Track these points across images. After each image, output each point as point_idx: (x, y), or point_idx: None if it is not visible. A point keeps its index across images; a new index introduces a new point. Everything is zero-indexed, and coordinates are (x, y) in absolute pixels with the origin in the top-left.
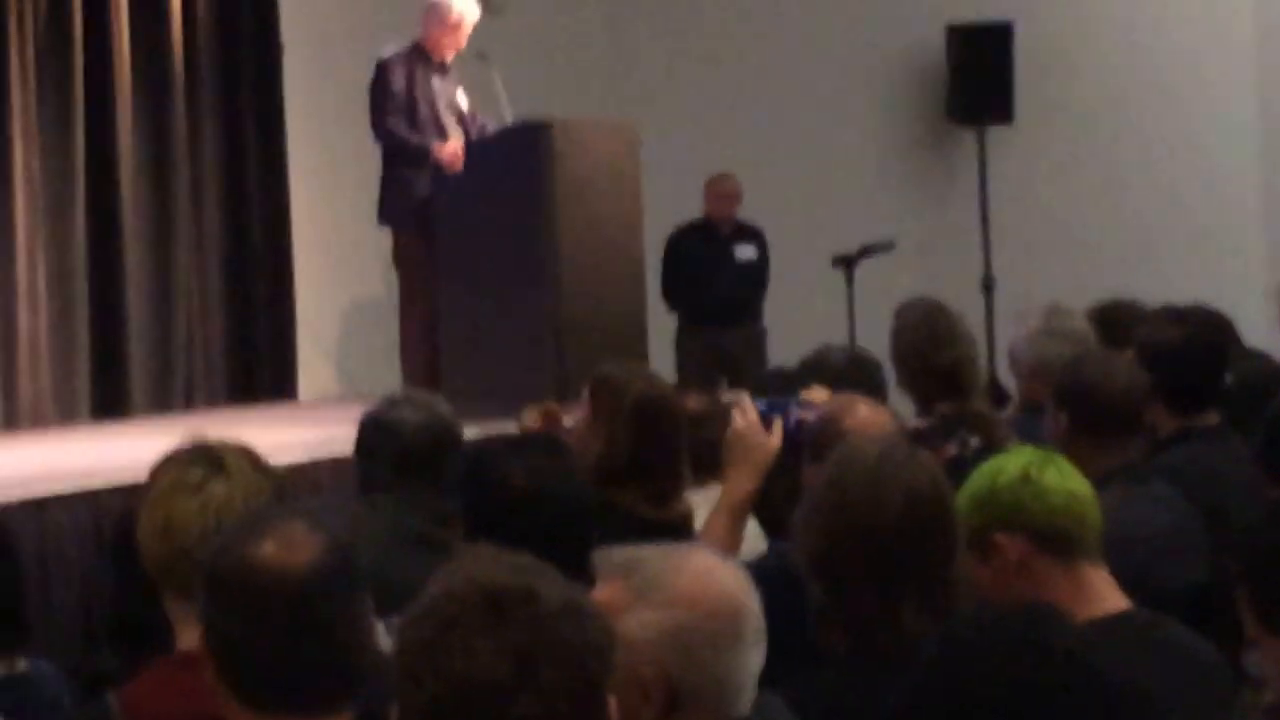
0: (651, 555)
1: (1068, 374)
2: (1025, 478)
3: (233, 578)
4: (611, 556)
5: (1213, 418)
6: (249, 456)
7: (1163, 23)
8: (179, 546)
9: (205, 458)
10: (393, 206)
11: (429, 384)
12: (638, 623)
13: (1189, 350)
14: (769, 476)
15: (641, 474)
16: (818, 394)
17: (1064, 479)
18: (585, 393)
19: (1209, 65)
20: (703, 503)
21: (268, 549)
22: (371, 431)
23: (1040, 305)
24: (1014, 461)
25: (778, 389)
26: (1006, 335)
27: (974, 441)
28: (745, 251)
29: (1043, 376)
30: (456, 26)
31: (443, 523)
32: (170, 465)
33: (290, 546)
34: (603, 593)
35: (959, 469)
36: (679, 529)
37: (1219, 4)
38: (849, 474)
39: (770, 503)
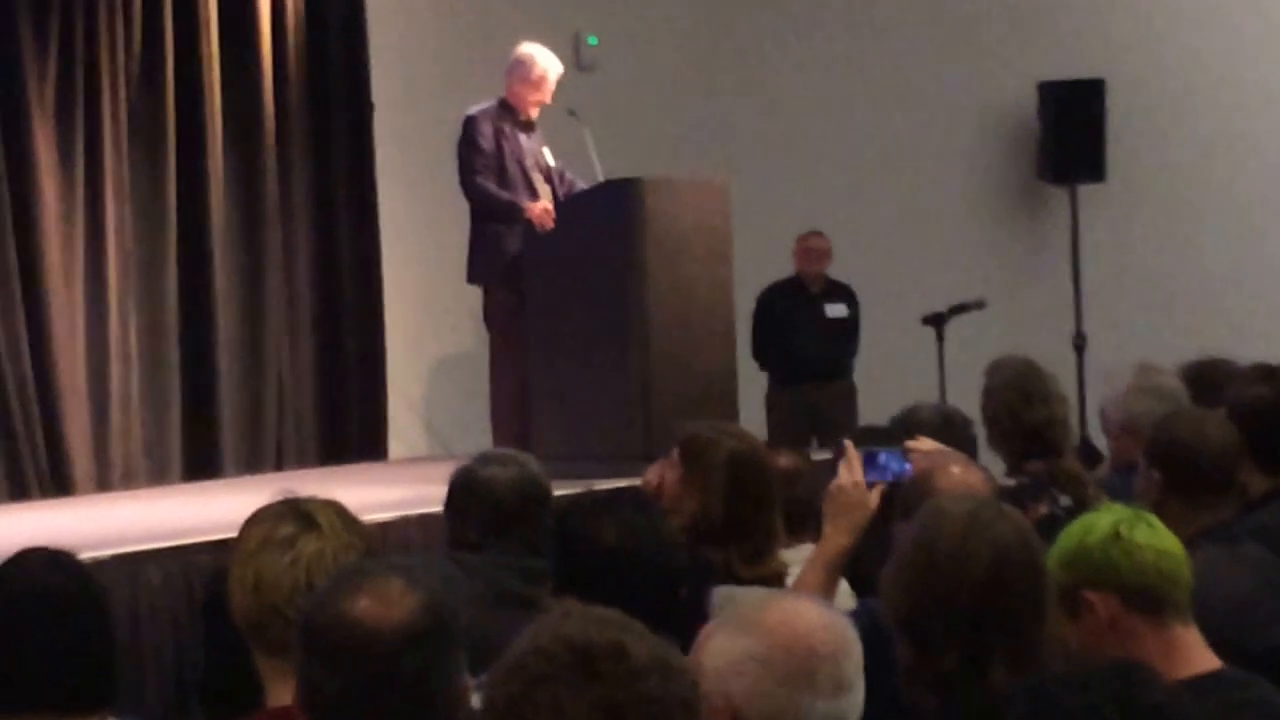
0: (757, 593)
1: (1160, 432)
2: (1116, 535)
3: (328, 633)
4: (730, 595)
5: None
6: (339, 512)
7: (1255, 80)
8: (269, 603)
9: (296, 514)
10: (483, 265)
11: (519, 443)
12: (713, 648)
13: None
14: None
15: (737, 532)
16: (924, 444)
17: (1155, 537)
18: (675, 451)
19: None
20: (795, 561)
21: (364, 604)
22: (462, 489)
23: (1131, 364)
24: (1105, 519)
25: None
26: (1097, 394)
27: (1064, 501)
28: (836, 309)
29: (1134, 435)
30: (540, 82)
31: (534, 580)
32: (261, 521)
33: (386, 602)
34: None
35: (1049, 528)
36: (773, 586)
37: None
38: (937, 531)
39: (860, 560)
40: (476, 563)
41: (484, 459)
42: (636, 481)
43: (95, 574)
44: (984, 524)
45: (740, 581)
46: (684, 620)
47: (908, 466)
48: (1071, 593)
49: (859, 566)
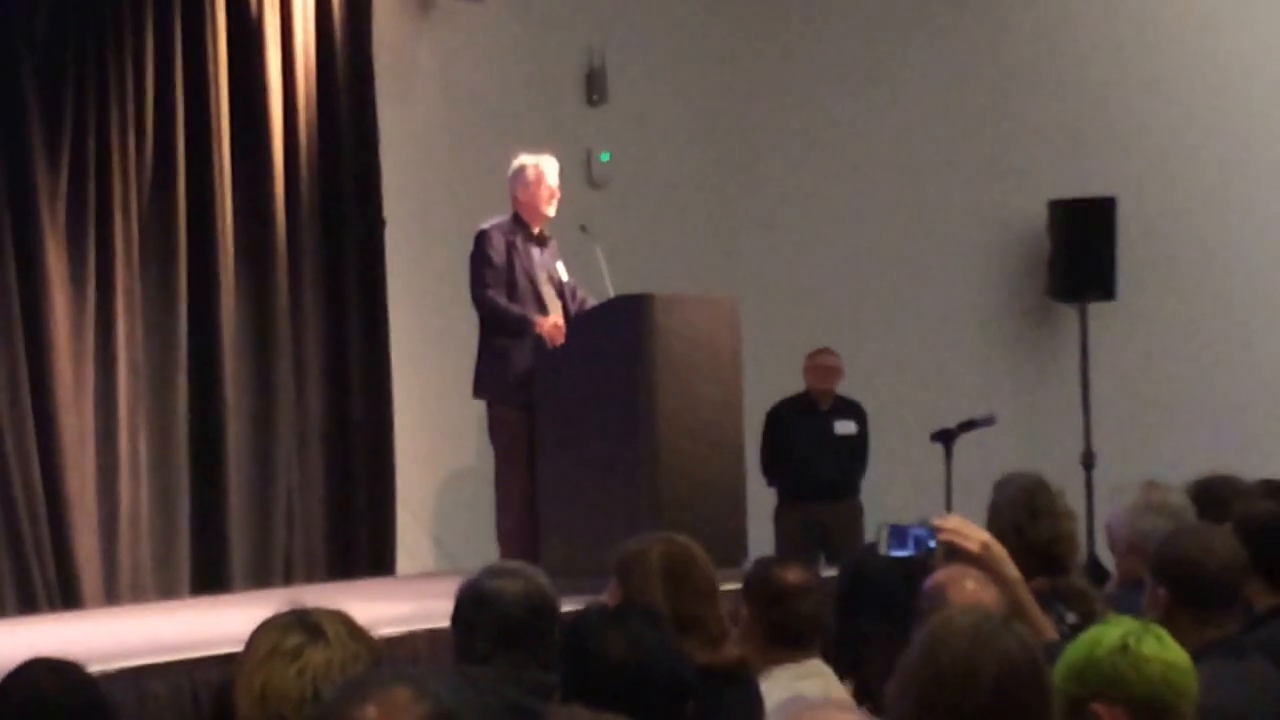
0: (805, 701)
1: (1167, 548)
2: (1124, 648)
3: None
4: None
5: None
6: (347, 623)
7: (1263, 202)
8: (276, 713)
9: (303, 624)
10: (489, 379)
11: (525, 557)
12: None
13: None
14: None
15: (686, 625)
16: (951, 520)
17: (1163, 650)
18: (613, 578)
19: None
20: (802, 675)
21: (371, 713)
22: (470, 601)
23: (1137, 482)
24: (1113, 631)
25: (876, 565)
26: (1106, 511)
27: (1070, 617)
28: (845, 426)
29: (1140, 552)
30: (539, 181)
31: (541, 694)
32: (268, 631)
33: (394, 711)
34: None
35: (1056, 645)
36: (734, 674)
37: None
38: (943, 643)
39: (870, 672)
40: (483, 676)
41: (491, 572)
42: None
43: (101, 686)
44: (990, 637)
45: (708, 673)
46: None
47: (933, 543)
48: (1079, 705)
49: (863, 680)
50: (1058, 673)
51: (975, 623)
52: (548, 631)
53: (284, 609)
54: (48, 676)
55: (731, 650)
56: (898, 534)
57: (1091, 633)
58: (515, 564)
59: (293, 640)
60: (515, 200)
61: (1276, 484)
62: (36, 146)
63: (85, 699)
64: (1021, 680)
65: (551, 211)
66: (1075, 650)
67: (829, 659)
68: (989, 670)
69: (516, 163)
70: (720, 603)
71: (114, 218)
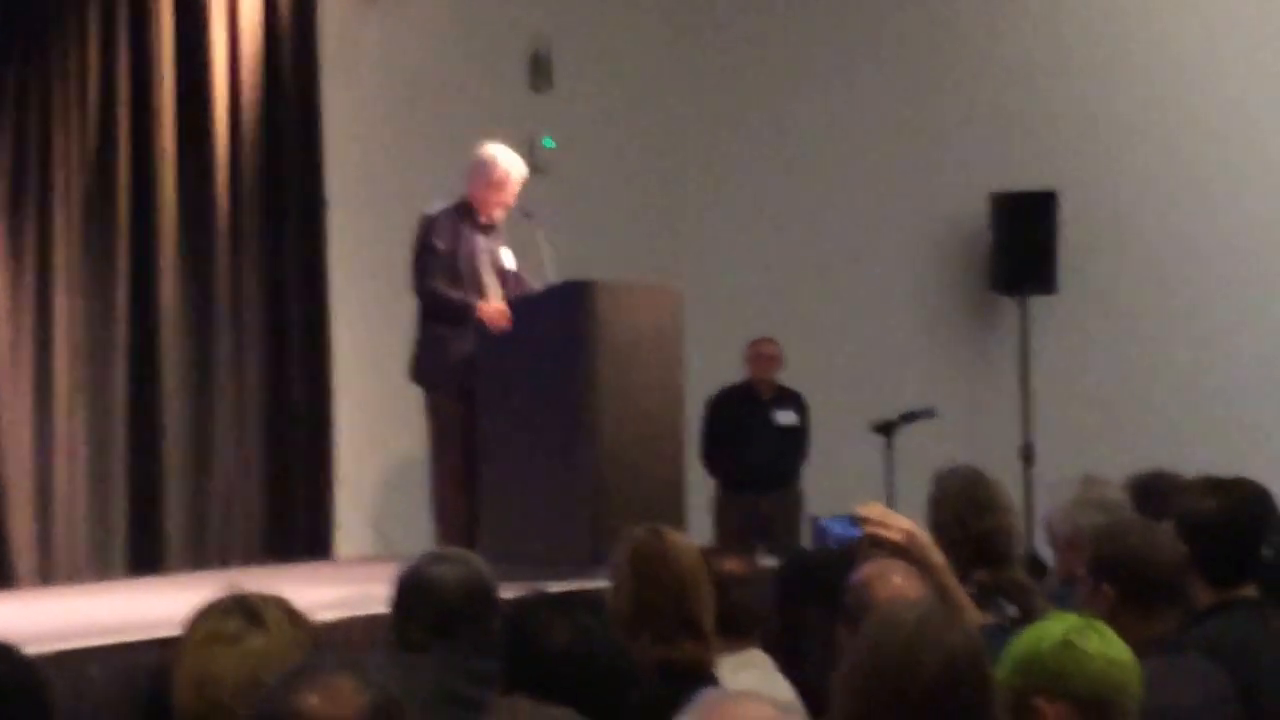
0: (728, 693)
1: (1111, 543)
2: (1068, 644)
3: None
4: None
5: (1250, 591)
6: (286, 609)
7: (1207, 194)
8: (214, 699)
9: (242, 609)
10: (426, 366)
11: (463, 543)
12: None
13: (1226, 522)
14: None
15: (645, 618)
16: (874, 510)
17: (1106, 646)
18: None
19: (1252, 238)
20: (740, 665)
21: (313, 702)
22: (409, 588)
23: (1077, 477)
24: (1056, 628)
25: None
26: (1044, 505)
27: (1011, 610)
28: (785, 416)
29: (1078, 548)
30: (502, 184)
31: (480, 682)
32: (207, 616)
33: (337, 700)
34: None
35: (996, 638)
36: (691, 671)
37: (1264, 176)
38: (887, 637)
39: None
40: (422, 664)
41: (431, 558)
42: (584, 584)
43: (39, 668)
44: (934, 630)
45: (659, 665)
46: None
47: (856, 532)
48: (1022, 700)
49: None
50: (1001, 667)
51: (920, 616)
52: (486, 618)
53: (223, 594)
54: None
55: (690, 647)
56: (818, 527)
57: (1035, 628)
58: (455, 551)
59: (231, 626)
60: (470, 190)
61: (1218, 481)
62: None
63: (23, 680)
64: (964, 674)
65: (501, 213)
66: (1019, 646)
67: (769, 649)
68: (932, 664)
69: (485, 154)
70: (696, 599)
71: (54, 196)
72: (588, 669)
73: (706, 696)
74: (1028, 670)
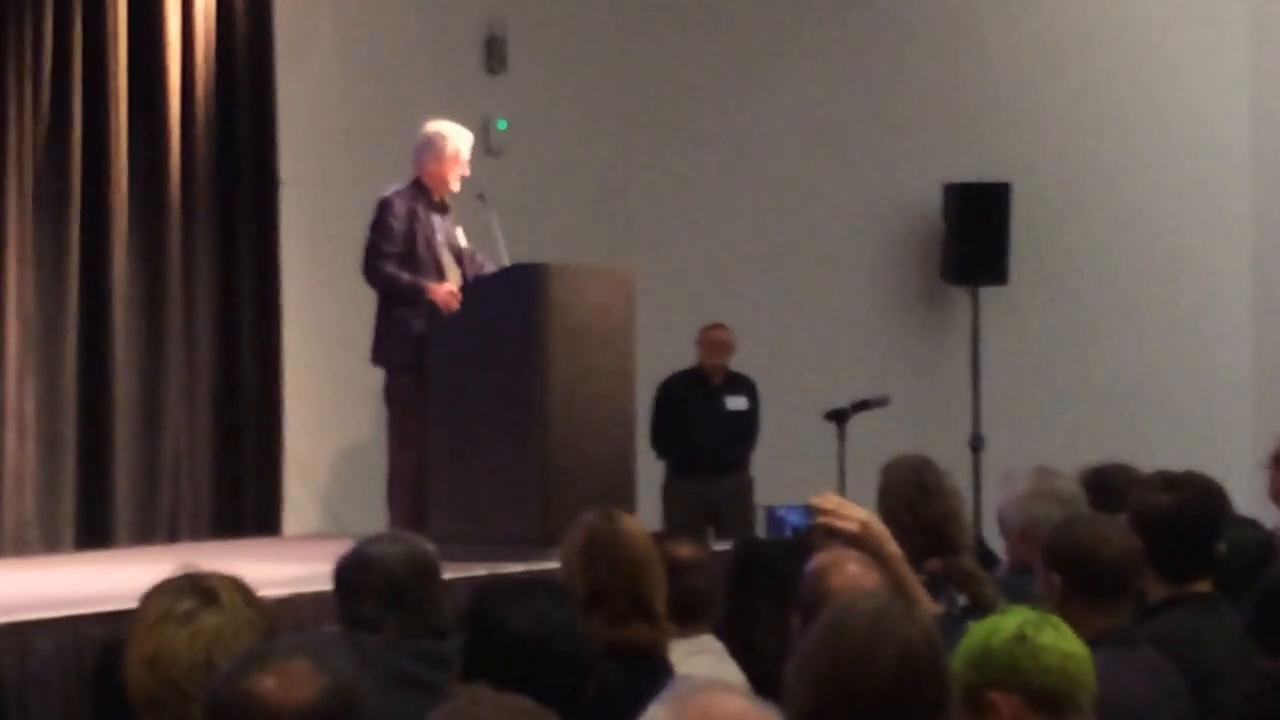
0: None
1: (1061, 536)
2: (1021, 637)
3: (231, 711)
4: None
5: (1204, 585)
6: (241, 589)
7: (1159, 188)
8: (167, 677)
9: (196, 588)
10: (388, 347)
11: (414, 524)
12: None
13: (1181, 517)
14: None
15: (596, 602)
16: (829, 500)
17: (1060, 640)
18: None
19: (1204, 233)
20: (693, 650)
21: (268, 684)
22: (352, 566)
23: (1028, 467)
24: (1010, 621)
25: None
26: (993, 496)
27: (961, 600)
28: (736, 402)
29: (1032, 539)
30: (454, 159)
31: (433, 664)
32: (160, 595)
33: (292, 682)
34: None
35: (947, 628)
36: (642, 654)
37: (1216, 173)
38: (842, 629)
39: (758, 655)
40: (373, 644)
41: (370, 540)
42: (533, 566)
43: None
44: (891, 622)
45: (609, 646)
46: (595, 712)
47: (808, 521)
48: (976, 693)
49: (754, 657)
50: (955, 660)
51: (877, 608)
52: (432, 593)
53: (177, 572)
54: None
55: (642, 630)
56: (772, 516)
57: (989, 621)
58: (393, 532)
59: (185, 605)
60: (422, 168)
61: (1173, 476)
62: None
63: None
64: (921, 666)
65: (457, 186)
66: (972, 638)
67: (719, 635)
68: (889, 655)
69: (430, 130)
70: (649, 583)
71: (7, 168)
72: (544, 654)
73: (677, 686)
74: (982, 663)
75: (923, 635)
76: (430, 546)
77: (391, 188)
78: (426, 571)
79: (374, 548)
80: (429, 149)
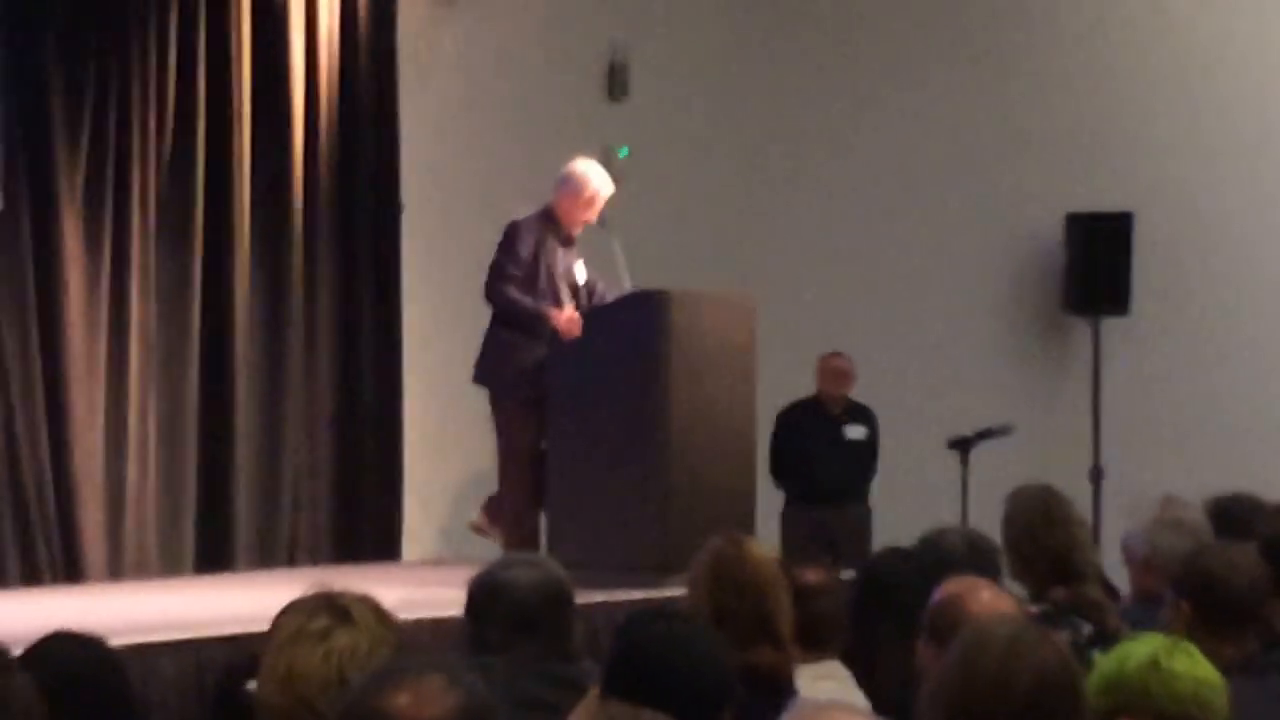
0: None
1: (1192, 564)
2: (1154, 663)
3: None
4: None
5: None
6: (374, 608)
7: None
8: (300, 694)
9: (330, 607)
10: (490, 369)
11: (525, 548)
12: None
13: None
14: (880, 656)
15: (723, 624)
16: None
17: (1193, 667)
18: None
19: None
20: (818, 675)
21: (402, 700)
22: (483, 592)
23: (1154, 497)
24: (1143, 647)
25: (894, 568)
26: (1113, 526)
27: (1086, 629)
28: (855, 431)
29: (1157, 568)
30: (591, 201)
31: (559, 686)
32: (294, 613)
33: (426, 699)
34: None
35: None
36: (769, 677)
37: None
38: (979, 653)
39: (878, 677)
40: (495, 666)
41: (505, 563)
42: (651, 594)
43: (123, 662)
44: (1026, 647)
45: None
46: None
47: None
48: (1108, 719)
49: (877, 684)
50: (1088, 686)
51: (1013, 633)
52: (565, 622)
53: (311, 591)
54: (76, 649)
55: (768, 654)
56: None
57: (1122, 647)
58: (529, 555)
59: (319, 623)
60: (557, 201)
61: None
62: (57, 121)
63: (110, 673)
64: (1056, 692)
65: (580, 229)
66: (1105, 664)
67: (845, 662)
68: (1024, 681)
69: (574, 169)
70: (775, 607)
71: (132, 194)
72: (687, 682)
73: (799, 706)
74: (1114, 689)
75: (1059, 660)
76: (563, 571)
77: (522, 214)
78: (558, 600)
79: (506, 573)
80: (568, 185)
